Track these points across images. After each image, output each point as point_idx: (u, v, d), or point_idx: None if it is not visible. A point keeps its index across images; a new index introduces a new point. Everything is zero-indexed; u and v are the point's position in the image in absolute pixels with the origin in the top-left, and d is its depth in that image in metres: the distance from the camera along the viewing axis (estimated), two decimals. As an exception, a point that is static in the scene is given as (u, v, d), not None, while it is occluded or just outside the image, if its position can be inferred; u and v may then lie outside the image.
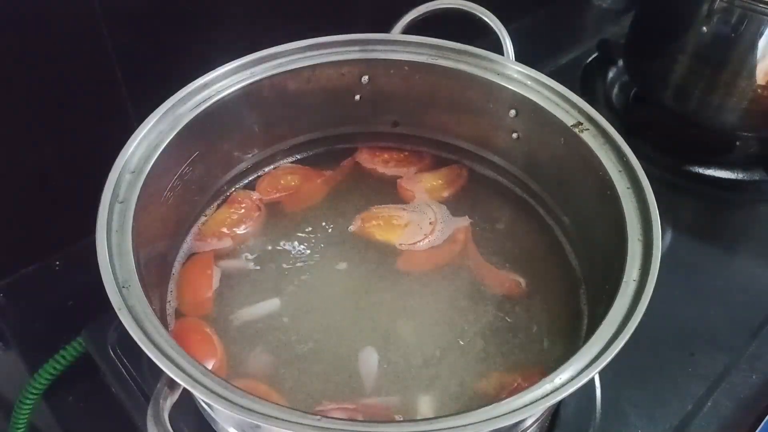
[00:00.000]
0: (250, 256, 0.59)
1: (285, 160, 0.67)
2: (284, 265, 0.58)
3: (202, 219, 0.61)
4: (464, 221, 0.63)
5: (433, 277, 0.59)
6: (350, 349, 0.53)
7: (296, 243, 0.61)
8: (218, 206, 0.62)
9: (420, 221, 0.63)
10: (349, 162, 0.67)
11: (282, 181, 0.65)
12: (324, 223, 0.62)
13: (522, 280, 0.58)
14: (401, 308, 0.56)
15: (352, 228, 0.62)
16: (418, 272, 0.59)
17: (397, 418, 0.49)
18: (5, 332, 0.67)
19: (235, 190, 0.64)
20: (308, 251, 0.60)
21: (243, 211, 0.62)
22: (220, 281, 0.57)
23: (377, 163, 0.68)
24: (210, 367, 0.49)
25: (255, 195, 0.64)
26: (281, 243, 0.60)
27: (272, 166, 0.66)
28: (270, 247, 0.60)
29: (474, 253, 0.60)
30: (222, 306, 0.55)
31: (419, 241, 0.61)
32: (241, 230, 0.61)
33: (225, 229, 0.60)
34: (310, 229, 0.62)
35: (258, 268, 0.58)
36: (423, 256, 0.60)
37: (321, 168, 0.67)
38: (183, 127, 0.53)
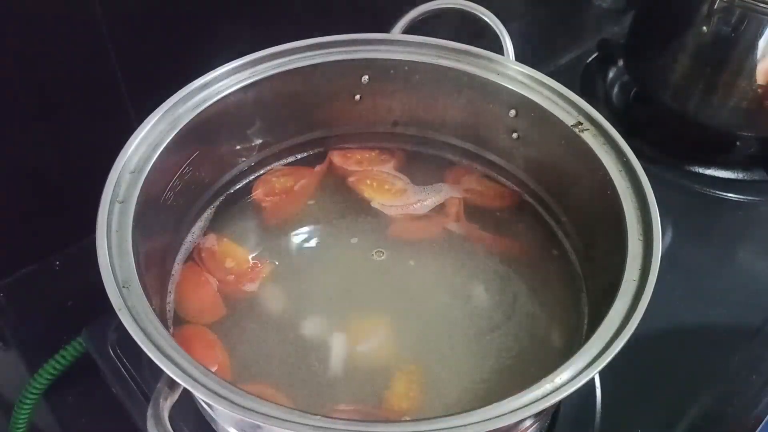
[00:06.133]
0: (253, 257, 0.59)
1: (285, 160, 0.66)
2: (287, 268, 0.59)
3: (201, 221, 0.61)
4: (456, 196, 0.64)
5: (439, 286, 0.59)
6: (359, 351, 0.53)
7: (292, 248, 0.61)
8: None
9: (412, 194, 0.64)
10: (322, 167, 0.66)
11: (277, 186, 0.65)
12: (315, 226, 0.63)
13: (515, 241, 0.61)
14: (411, 310, 0.56)
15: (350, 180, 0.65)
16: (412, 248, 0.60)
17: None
18: (5, 332, 0.67)
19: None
20: (307, 255, 0.60)
21: None
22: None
23: (351, 164, 0.67)
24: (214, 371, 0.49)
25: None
26: (280, 248, 0.61)
27: (272, 166, 0.66)
28: (270, 252, 0.60)
29: (464, 222, 0.62)
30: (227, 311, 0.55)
31: (398, 206, 0.63)
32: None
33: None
34: (305, 230, 0.62)
35: (260, 269, 0.58)
36: (411, 225, 0.62)
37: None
38: (183, 127, 0.52)
